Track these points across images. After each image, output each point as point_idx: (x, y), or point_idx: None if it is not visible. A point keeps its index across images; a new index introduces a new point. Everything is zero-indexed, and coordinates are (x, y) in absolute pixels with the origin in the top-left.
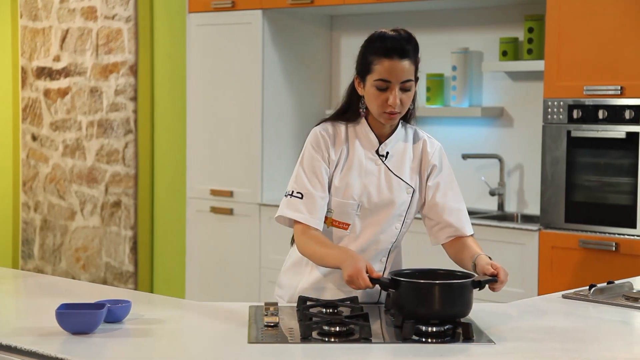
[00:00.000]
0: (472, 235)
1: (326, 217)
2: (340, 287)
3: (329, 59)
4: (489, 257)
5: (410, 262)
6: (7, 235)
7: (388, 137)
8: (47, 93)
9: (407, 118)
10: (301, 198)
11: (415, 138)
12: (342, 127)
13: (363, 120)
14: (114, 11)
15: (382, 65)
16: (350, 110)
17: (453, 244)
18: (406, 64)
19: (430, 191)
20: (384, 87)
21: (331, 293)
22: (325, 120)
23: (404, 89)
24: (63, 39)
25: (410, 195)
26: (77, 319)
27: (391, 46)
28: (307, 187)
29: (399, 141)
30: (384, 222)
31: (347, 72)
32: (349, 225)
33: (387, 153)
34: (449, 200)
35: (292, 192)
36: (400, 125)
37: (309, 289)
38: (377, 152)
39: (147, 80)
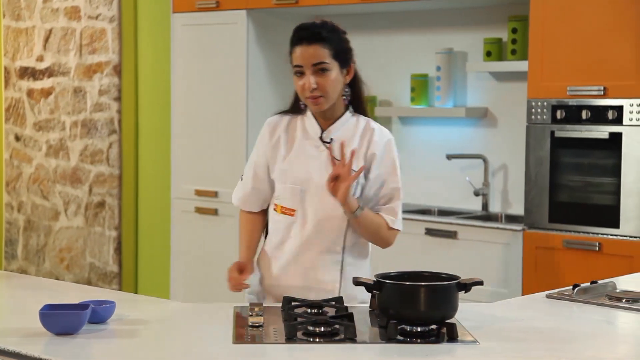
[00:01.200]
0: (397, 229)
1: (276, 205)
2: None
3: None
4: (359, 205)
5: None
6: None
7: (333, 125)
8: (30, 93)
9: (358, 107)
10: (241, 180)
11: (366, 127)
12: (286, 118)
13: (309, 112)
14: (97, 11)
15: (295, 52)
16: (295, 104)
17: None
18: (316, 47)
19: (370, 183)
20: (300, 72)
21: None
22: (277, 113)
23: (319, 72)
24: (46, 39)
25: (357, 180)
26: (61, 320)
27: (301, 34)
28: (246, 174)
29: (347, 129)
30: (329, 206)
31: None
32: (294, 211)
33: (332, 139)
34: (378, 192)
35: (241, 176)
36: (349, 114)
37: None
38: (321, 139)
39: (132, 81)
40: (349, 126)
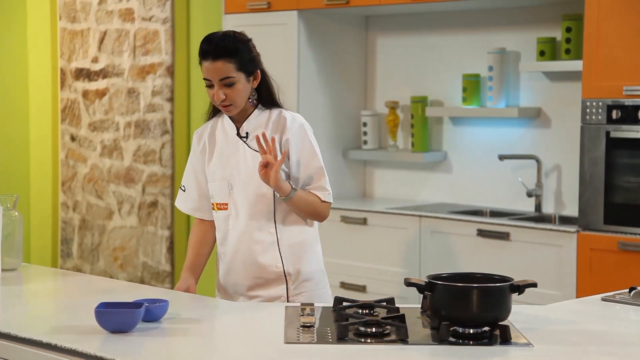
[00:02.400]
0: (329, 202)
1: (213, 204)
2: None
3: (364, 59)
4: (292, 187)
5: (451, 264)
6: (47, 235)
7: (246, 120)
8: (85, 94)
9: (269, 102)
10: (184, 191)
11: (278, 117)
12: (209, 125)
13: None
14: (151, 12)
15: (203, 66)
16: (214, 109)
17: None
18: (221, 63)
19: (290, 166)
20: (210, 84)
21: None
22: (209, 118)
23: (227, 85)
24: (101, 41)
25: None
26: (116, 318)
27: (205, 49)
28: (187, 181)
29: (260, 122)
30: (255, 194)
31: (382, 73)
32: (227, 204)
33: (247, 133)
34: (303, 175)
35: (182, 185)
36: (258, 110)
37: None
38: (238, 134)
39: (184, 81)
40: (261, 119)
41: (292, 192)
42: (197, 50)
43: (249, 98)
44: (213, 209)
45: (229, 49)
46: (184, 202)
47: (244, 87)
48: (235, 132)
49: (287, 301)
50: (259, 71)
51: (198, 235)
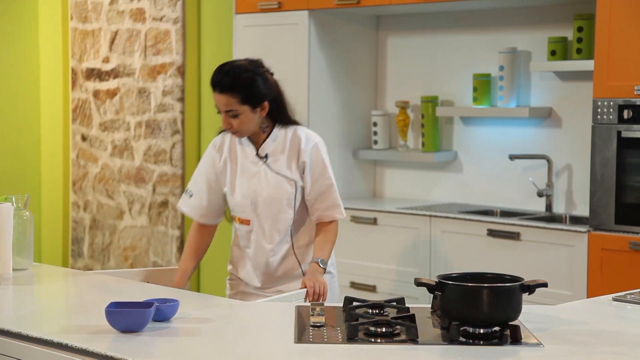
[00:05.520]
0: (335, 220)
1: (234, 216)
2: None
3: (375, 59)
4: (320, 264)
5: (462, 264)
6: (58, 234)
7: (264, 142)
8: (96, 94)
9: (283, 121)
10: (190, 197)
11: (293, 137)
12: (227, 137)
13: None
14: (162, 13)
15: (213, 95)
16: None
17: (317, 227)
18: (226, 96)
19: (305, 185)
20: (219, 111)
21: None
22: (220, 132)
23: (231, 116)
24: (112, 41)
25: (294, 186)
26: (126, 318)
27: (213, 80)
28: (197, 187)
29: (277, 143)
30: (278, 213)
31: (393, 73)
32: (249, 220)
33: (267, 155)
34: (317, 194)
35: (187, 189)
36: (276, 129)
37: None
38: (258, 155)
39: (195, 81)
40: (279, 140)
41: (323, 265)
42: (208, 50)
43: (260, 125)
44: (234, 220)
45: (234, 84)
46: (192, 208)
47: (248, 118)
48: (255, 152)
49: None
50: (266, 102)
51: (199, 241)
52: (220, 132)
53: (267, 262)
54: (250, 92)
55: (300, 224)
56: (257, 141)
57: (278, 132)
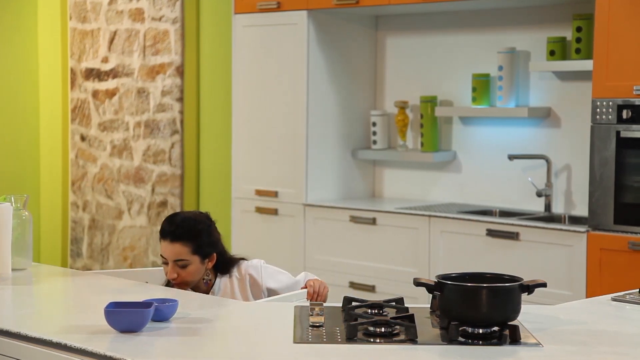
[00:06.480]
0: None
1: None
2: None
3: (374, 59)
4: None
5: (461, 264)
6: (57, 234)
7: (210, 293)
8: (95, 94)
9: (224, 270)
10: None
11: (241, 276)
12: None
13: None
14: (161, 12)
15: (161, 244)
16: (169, 280)
17: None
18: (177, 245)
19: (282, 293)
20: (164, 262)
21: None
22: (166, 284)
23: (180, 267)
24: (111, 41)
25: None
26: (125, 318)
27: (164, 229)
28: None
29: (225, 289)
30: None
31: (392, 73)
32: None
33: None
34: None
35: None
36: (218, 279)
37: None
38: None
39: (193, 81)
40: (225, 286)
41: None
42: (207, 50)
43: (203, 278)
44: None
45: (186, 234)
46: None
47: (196, 269)
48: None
49: None
50: (215, 254)
51: None
52: (164, 285)
53: None
54: (201, 242)
55: None
56: (202, 292)
57: (221, 281)
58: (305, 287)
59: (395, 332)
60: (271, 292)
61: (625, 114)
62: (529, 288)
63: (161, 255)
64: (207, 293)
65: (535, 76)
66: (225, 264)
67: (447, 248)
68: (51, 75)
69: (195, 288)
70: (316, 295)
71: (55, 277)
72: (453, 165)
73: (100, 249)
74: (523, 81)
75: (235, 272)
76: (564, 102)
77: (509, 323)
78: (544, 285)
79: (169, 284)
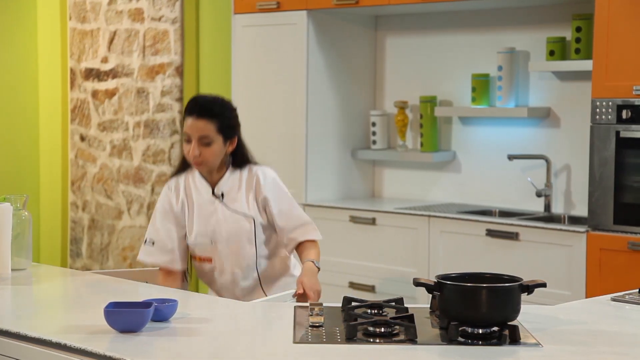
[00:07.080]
0: (315, 240)
1: (193, 256)
2: None
3: (374, 59)
4: (314, 263)
5: (460, 264)
6: (56, 234)
7: (220, 180)
8: (95, 94)
9: (239, 163)
10: (153, 245)
11: (249, 174)
12: (181, 180)
13: (196, 171)
14: (160, 13)
15: (186, 122)
16: (184, 163)
17: (298, 248)
18: (203, 122)
19: (274, 218)
20: (188, 139)
21: None
22: (172, 175)
23: (204, 144)
24: (111, 41)
25: (252, 223)
26: (125, 318)
27: (192, 106)
28: (158, 235)
29: (233, 181)
30: (238, 250)
31: (391, 73)
32: (211, 259)
33: (223, 193)
34: (288, 222)
35: (146, 240)
36: (230, 170)
37: None
38: (214, 194)
39: (193, 81)
40: (234, 178)
41: (317, 264)
42: (207, 50)
43: (224, 161)
44: (194, 259)
45: (213, 111)
46: (154, 256)
47: (219, 149)
48: (211, 192)
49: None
50: (236, 137)
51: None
52: (172, 176)
53: (232, 295)
54: (226, 122)
55: (266, 258)
56: (212, 181)
57: (233, 171)
58: (300, 287)
59: (394, 332)
60: (266, 203)
61: (624, 114)
62: (529, 288)
63: (185, 132)
64: (219, 180)
65: (535, 76)
66: (243, 156)
67: (446, 248)
68: (51, 76)
69: (210, 175)
70: (304, 298)
71: (55, 277)
72: (453, 165)
73: (100, 249)
74: (523, 81)
75: (246, 169)
76: (563, 102)
77: (509, 323)
78: (543, 285)
79: (184, 166)
